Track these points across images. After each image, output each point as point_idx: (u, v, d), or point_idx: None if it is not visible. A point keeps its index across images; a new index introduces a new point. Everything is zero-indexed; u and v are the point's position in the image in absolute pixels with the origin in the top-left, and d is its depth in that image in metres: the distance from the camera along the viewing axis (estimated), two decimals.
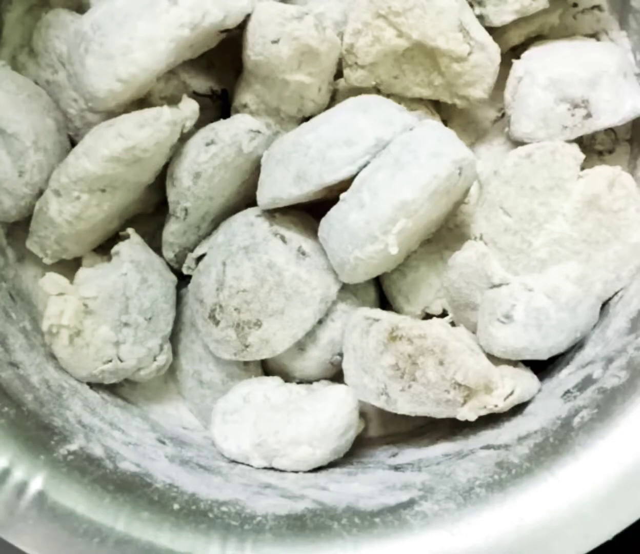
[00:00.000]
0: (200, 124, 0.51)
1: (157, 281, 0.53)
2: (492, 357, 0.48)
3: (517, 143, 0.52)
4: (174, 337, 0.55)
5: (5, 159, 0.51)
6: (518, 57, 0.54)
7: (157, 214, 0.55)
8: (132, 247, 0.52)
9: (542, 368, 0.50)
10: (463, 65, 0.51)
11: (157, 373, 0.54)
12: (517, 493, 0.41)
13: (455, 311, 0.52)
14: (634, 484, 0.40)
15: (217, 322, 0.50)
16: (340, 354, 0.51)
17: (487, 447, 0.46)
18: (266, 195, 0.50)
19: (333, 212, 0.48)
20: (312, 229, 0.51)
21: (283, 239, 0.51)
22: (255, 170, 0.51)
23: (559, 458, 0.42)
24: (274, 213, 0.52)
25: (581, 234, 0.50)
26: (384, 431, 0.55)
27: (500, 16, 0.53)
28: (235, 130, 0.50)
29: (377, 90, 0.53)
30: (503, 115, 0.56)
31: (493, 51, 0.51)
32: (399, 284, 0.53)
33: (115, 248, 0.52)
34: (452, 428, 0.49)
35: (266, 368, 0.54)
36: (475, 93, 0.52)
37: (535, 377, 0.50)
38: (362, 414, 0.52)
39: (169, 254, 0.53)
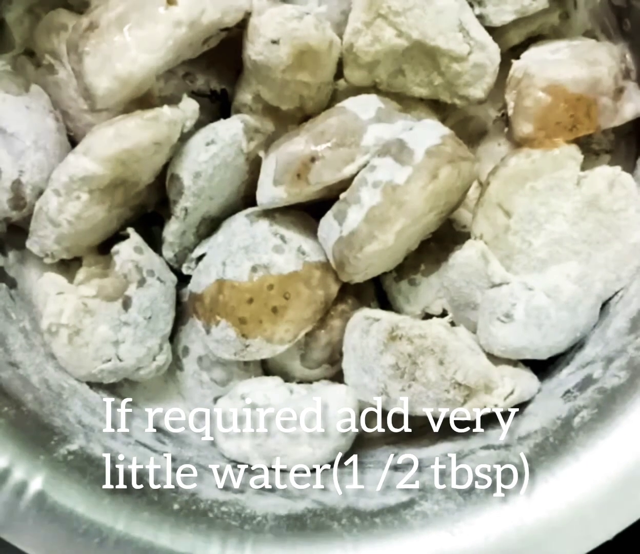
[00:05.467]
0: (200, 124, 0.51)
1: (156, 281, 0.53)
2: (492, 357, 0.48)
3: (517, 143, 0.52)
4: (173, 337, 0.55)
5: (6, 159, 0.51)
6: (518, 57, 0.54)
7: (156, 214, 0.55)
8: (131, 247, 0.52)
9: (542, 368, 0.50)
10: (463, 65, 0.51)
11: (156, 373, 0.54)
12: (517, 493, 0.41)
13: (455, 310, 0.52)
14: (634, 484, 0.40)
15: (217, 322, 0.50)
16: (340, 354, 0.51)
17: (487, 447, 0.46)
18: (266, 195, 0.50)
19: (333, 212, 0.48)
20: (312, 229, 0.51)
21: (283, 239, 0.51)
22: (255, 170, 0.51)
23: (559, 458, 0.42)
24: (274, 213, 0.52)
25: (581, 234, 0.50)
26: (384, 431, 0.55)
27: (500, 16, 0.53)
28: (236, 130, 0.50)
29: (377, 90, 0.53)
30: (503, 115, 0.56)
31: (493, 51, 0.52)
32: (399, 284, 0.53)
33: (115, 248, 0.52)
34: (452, 428, 0.49)
35: (266, 368, 0.54)
36: (475, 93, 0.52)
37: (535, 377, 0.50)
38: (362, 414, 0.52)
39: (169, 253, 0.53)
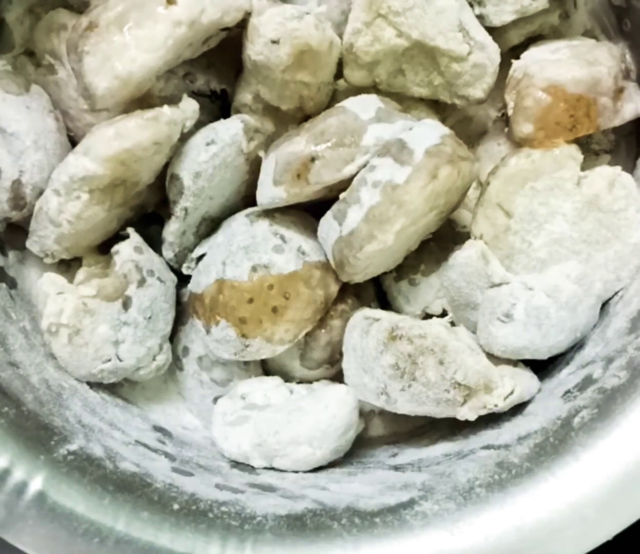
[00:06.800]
0: (200, 124, 0.51)
1: (156, 281, 0.53)
2: (492, 357, 0.48)
3: (517, 143, 0.52)
4: (173, 337, 0.55)
5: (6, 159, 0.51)
6: (518, 57, 0.54)
7: (156, 214, 0.55)
8: (131, 247, 0.52)
9: (542, 368, 0.50)
10: (462, 65, 0.51)
11: (156, 373, 0.54)
12: (517, 493, 0.41)
13: (455, 310, 0.52)
14: (634, 484, 0.40)
15: (217, 322, 0.50)
16: (340, 354, 0.51)
17: (487, 447, 0.46)
18: (266, 195, 0.50)
19: (332, 212, 0.48)
20: (312, 229, 0.51)
21: (283, 238, 0.51)
22: (255, 170, 0.51)
23: (559, 458, 0.42)
24: (274, 213, 0.52)
25: (581, 234, 0.50)
26: (384, 431, 0.55)
27: (500, 16, 0.53)
28: (236, 130, 0.50)
29: (376, 90, 0.53)
30: (503, 115, 0.56)
31: (493, 51, 0.52)
32: (399, 284, 0.53)
33: (115, 248, 0.52)
34: (452, 428, 0.49)
35: (266, 368, 0.54)
36: (475, 93, 0.53)
37: (535, 377, 0.50)
38: (362, 414, 0.52)
39: (168, 253, 0.53)
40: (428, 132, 0.47)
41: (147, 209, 0.55)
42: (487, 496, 0.42)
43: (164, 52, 0.47)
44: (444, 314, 0.52)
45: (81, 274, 0.52)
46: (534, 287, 0.48)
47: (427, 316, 0.53)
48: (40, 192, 0.51)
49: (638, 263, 0.50)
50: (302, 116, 0.53)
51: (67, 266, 0.54)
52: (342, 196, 0.48)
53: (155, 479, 0.44)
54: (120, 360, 0.52)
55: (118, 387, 0.54)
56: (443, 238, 0.53)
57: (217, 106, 0.56)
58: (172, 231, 0.52)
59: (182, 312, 0.55)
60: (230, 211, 0.54)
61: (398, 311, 0.54)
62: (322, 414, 0.48)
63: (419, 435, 0.53)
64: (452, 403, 0.46)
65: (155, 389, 0.56)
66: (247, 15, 0.50)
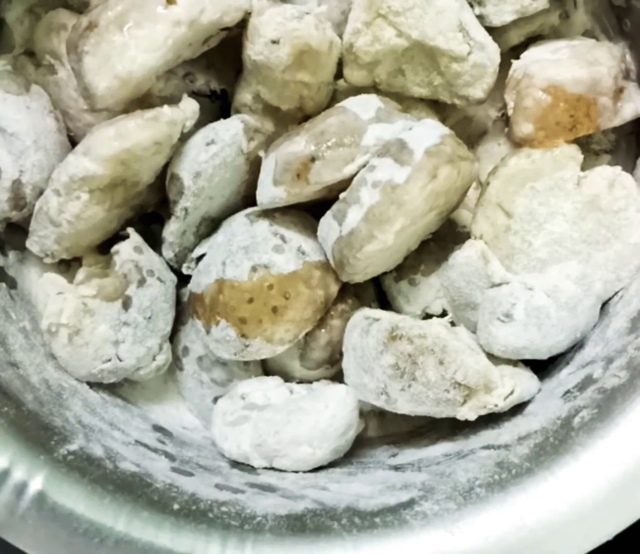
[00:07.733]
0: (200, 124, 0.51)
1: (156, 281, 0.53)
2: (492, 357, 0.48)
3: (517, 143, 0.52)
4: (173, 337, 0.55)
5: (6, 159, 0.51)
6: (518, 57, 0.54)
7: (156, 214, 0.55)
8: (131, 246, 0.52)
9: (542, 368, 0.50)
10: (462, 65, 0.51)
11: (156, 373, 0.54)
12: (517, 493, 0.41)
13: (455, 310, 0.52)
14: (634, 484, 0.40)
15: (217, 322, 0.50)
16: (340, 354, 0.51)
17: (487, 447, 0.46)
18: (266, 195, 0.50)
19: (332, 212, 0.48)
20: (312, 229, 0.51)
21: (283, 238, 0.51)
22: (255, 170, 0.51)
23: (559, 458, 0.42)
24: (274, 213, 0.52)
25: (581, 234, 0.50)
26: (384, 431, 0.55)
27: (500, 16, 0.53)
28: (236, 130, 0.50)
29: (376, 89, 0.53)
30: (503, 115, 0.56)
31: (493, 51, 0.52)
32: (399, 284, 0.53)
33: (115, 248, 0.52)
34: (452, 428, 0.49)
35: (266, 368, 0.54)
36: (475, 93, 0.52)
37: (535, 377, 0.50)
38: (362, 414, 0.52)
39: (168, 253, 0.53)
40: (428, 132, 0.47)
41: (147, 209, 0.55)
42: (487, 496, 0.42)
43: (163, 52, 0.48)
44: (444, 314, 0.52)
45: (81, 274, 0.52)
46: (534, 287, 0.48)
47: (427, 316, 0.53)
48: (40, 192, 0.51)
49: (638, 263, 0.50)
50: (302, 116, 0.53)
51: (67, 266, 0.54)
52: (342, 196, 0.48)
53: (155, 479, 0.44)
54: (120, 360, 0.52)
55: (118, 387, 0.54)
56: (443, 238, 0.53)
57: (217, 106, 0.56)
58: (172, 231, 0.52)
59: (182, 312, 0.55)
60: (230, 211, 0.54)
61: (398, 311, 0.54)
62: (322, 414, 0.48)
63: (419, 435, 0.53)
64: (452, 403, 0.46)
65: (155, 389, 0.56)
66: (247, 15, 0.50)
